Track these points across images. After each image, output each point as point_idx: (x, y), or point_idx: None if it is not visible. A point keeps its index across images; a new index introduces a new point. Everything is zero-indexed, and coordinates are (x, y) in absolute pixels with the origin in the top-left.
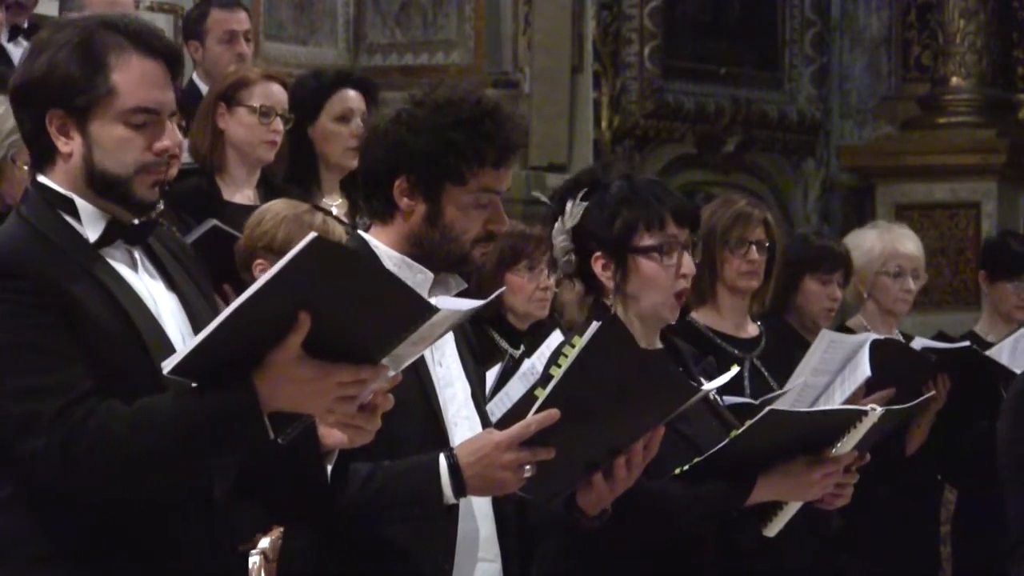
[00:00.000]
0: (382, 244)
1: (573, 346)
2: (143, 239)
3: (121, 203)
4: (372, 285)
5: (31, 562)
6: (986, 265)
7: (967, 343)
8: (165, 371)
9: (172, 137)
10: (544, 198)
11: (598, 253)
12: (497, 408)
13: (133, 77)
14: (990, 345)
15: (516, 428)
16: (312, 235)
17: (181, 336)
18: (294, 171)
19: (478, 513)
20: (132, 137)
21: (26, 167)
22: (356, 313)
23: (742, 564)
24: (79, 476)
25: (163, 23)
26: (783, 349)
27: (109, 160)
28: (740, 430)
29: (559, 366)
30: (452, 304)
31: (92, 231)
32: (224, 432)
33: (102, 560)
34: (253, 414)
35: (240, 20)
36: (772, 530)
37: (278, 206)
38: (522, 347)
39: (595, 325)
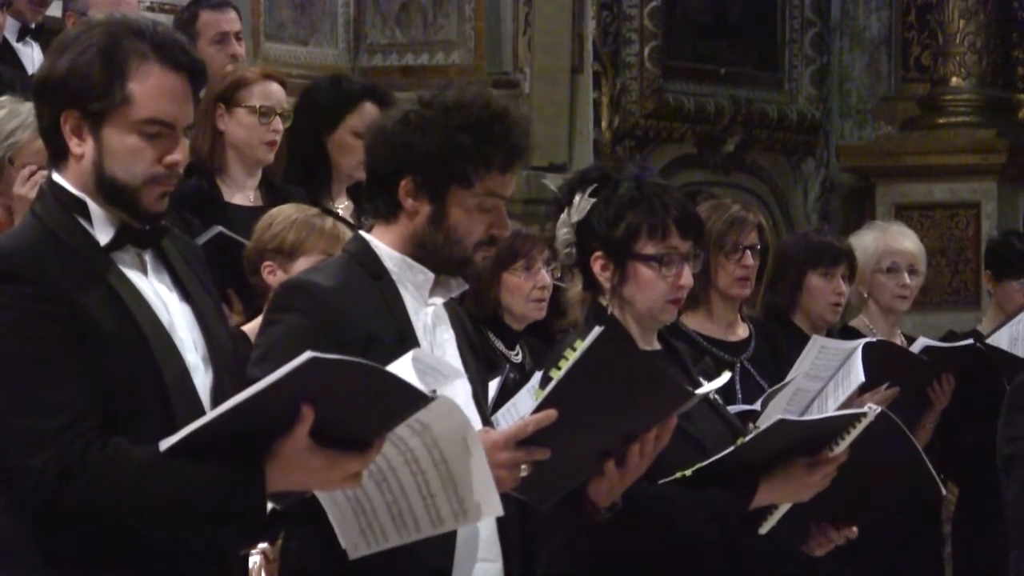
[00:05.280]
0: (383, 244)
1: (575, 349)
2: (154, 243)
3: (128, 211)
4: (368, 383)
5: (30, 567)
6: (991, 264)
7: (970, 341)
8: (162, 449)
9: (185, 151)
10: (553, 186)
11: (598, 253)
12: (504, 420)
13: (150, 88)
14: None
15: (513, 427)
16: (307, 355)
17: (192, 341)
18: (306, 176)
19: None
20: (143, 147)
21: (24, 167)
22: (356, 404)
23: (745, 566)
24: (68, 508)
25: (164, 23)
26: (774, 350)
27: (118, 168)
28: (748, 438)
29: (559, 369)
30: (460, 412)
31: (103, 234)
32: (227, 514)
33: (101, 565)
34: (259, 504)
35: (230, 20)
36: (765, 528)
37: (288, 210)
38: (518, 349)
39: (597, 331)
